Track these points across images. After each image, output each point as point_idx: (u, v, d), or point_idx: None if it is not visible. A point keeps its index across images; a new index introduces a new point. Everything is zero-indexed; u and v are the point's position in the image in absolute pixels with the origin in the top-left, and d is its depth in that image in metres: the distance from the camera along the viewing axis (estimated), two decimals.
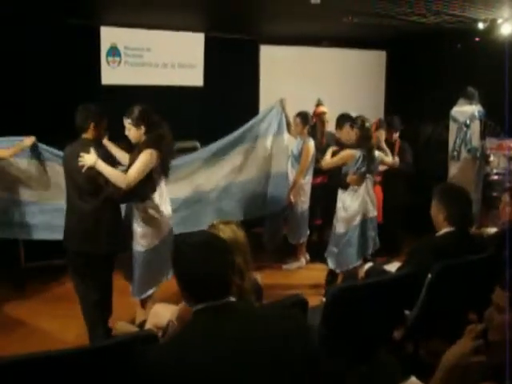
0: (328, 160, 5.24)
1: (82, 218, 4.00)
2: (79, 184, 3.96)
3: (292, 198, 5.93)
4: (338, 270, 5.22)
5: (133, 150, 4.24)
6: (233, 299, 1.85)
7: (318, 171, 6.12)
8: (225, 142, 5.61)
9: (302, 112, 5.93)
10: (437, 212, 3.33)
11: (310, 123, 5.94)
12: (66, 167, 4.10)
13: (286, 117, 5.97)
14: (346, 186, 5.11)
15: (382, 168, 6.03)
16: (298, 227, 6.11)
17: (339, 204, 5.17)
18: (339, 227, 5.17)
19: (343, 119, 5.40)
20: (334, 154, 5.25)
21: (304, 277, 5.85)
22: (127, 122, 4.17)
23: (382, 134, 6.13)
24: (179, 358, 1.67)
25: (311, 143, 5.91)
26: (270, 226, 6.24)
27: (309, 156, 5.89)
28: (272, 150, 5.97)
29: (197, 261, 1.80)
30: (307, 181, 6.03)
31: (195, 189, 5.51)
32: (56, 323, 4.59)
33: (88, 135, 4.03)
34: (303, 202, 6.03)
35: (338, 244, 5.17)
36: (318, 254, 5.86)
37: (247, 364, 1.68)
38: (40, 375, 1.98)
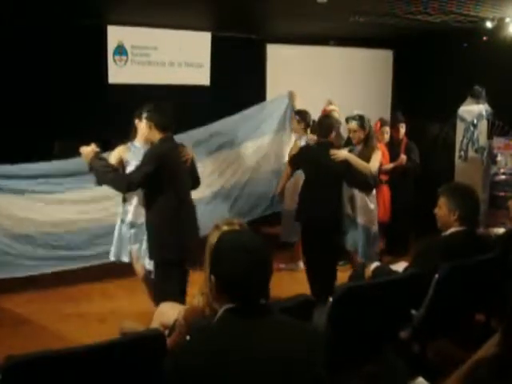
0: (372, 165, 4.93)
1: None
2: (331, 175, 4.65)
3: (277, 194, 5.92)
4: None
5: None
6: (263, 302, 1.84)
7: None
8: (235, 132, 5.90)
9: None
10: (447, 211, 3.27)
11: (309, 122, 5.90)
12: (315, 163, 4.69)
13: (293, 110, 6.04)
14: (378, 185, 5.20)
15: (388, 167, 6.02)
16: (286, 226, 6.04)
17: (372, 205, 5.15)
18: (375, 227, 5.22)
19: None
20: None
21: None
22: None
23: (387, 132, 6.12)
24: (207, 355, 1.68)
25: (301, 142, 5.80)
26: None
27: None
28: (282, 145, 6.05)
29: (244, 263, 1.78)
30: (295, 180, 5.74)
31: (219, 184, 5.81)
32: (64, 322, 4.60)
33: None
34: (292, 201, 5.86)
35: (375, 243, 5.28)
36: None
37: (266, 370, 1.70)
38: (50, 373, 1.98)
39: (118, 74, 6.39)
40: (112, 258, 4.57)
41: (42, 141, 5.66)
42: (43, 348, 2.10)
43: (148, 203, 4.02)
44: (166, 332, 2.86)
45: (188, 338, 2.16)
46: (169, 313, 3.18)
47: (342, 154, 4.80)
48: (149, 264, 4.37)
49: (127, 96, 5.99)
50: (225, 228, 2.58)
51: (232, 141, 5.94)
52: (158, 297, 3.91)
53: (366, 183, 4.95)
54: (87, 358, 2.06)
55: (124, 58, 6.41)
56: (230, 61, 6.91)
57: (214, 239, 1.97)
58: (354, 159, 4.79)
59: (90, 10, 5.56)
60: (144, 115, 4.09)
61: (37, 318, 4.71)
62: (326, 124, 4.94)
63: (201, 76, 6.92)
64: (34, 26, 5.69)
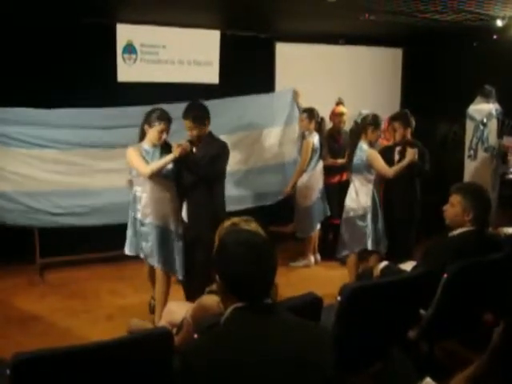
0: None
1: None
2: None
3: (286, 191, 6.00)
4: None
5: None
6: (269, 301, 1.83)
7: (335, 169, 6.10)
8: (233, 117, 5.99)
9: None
10: (461, 211, 3.27)
11: (317, 119, 5.91)
12: None
13: (299, 109, 6.07)
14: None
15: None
16: (301, 222, 6.08)
17: None
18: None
19: None
20: None
21: (317, 275, 5.82)
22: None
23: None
24: (215, 353, 1.67)
25: (312, 139, 5.88)
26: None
27: (308, 151, 5.86)
28: (283, 138, 6.08)
29: (244, 260, 1.76)
30: (309, 177, 5.94)
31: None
32: (73, 319, 4.62)
33: None
34: (306, 198, 5.96)
35: None
36: (333, 253, 5.76)
37: (274, 370, 1.68)
38: (58, 370, 1.99)
39: (127, 72, 6.39)
40: (129, 253, 4.46)
41: None
42: (52, 345, 2.11)
43: (209, 194, 4.47)
44: (174, 330, 2.87)
45: (195, 336, 2.16)
46: (177, 311, 3.19)
47: None
48: (157, 262, 4.37)
49: (136, 94, 5.99)
50: (228, 225, 2.56)
51: (247, 124, 6.06)
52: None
53: None
54: (95, 355, 2.07)
55: (133, 56, 6.41)
56: (239, 59, 6.90)
57: (217, 239, 1.95)
58: None
59: (99, 8, 5.57)
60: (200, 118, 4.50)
61: (45, 315, 4.73)
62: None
63: (210, 74, 6.91)
64: (44, 24, 5.70)
